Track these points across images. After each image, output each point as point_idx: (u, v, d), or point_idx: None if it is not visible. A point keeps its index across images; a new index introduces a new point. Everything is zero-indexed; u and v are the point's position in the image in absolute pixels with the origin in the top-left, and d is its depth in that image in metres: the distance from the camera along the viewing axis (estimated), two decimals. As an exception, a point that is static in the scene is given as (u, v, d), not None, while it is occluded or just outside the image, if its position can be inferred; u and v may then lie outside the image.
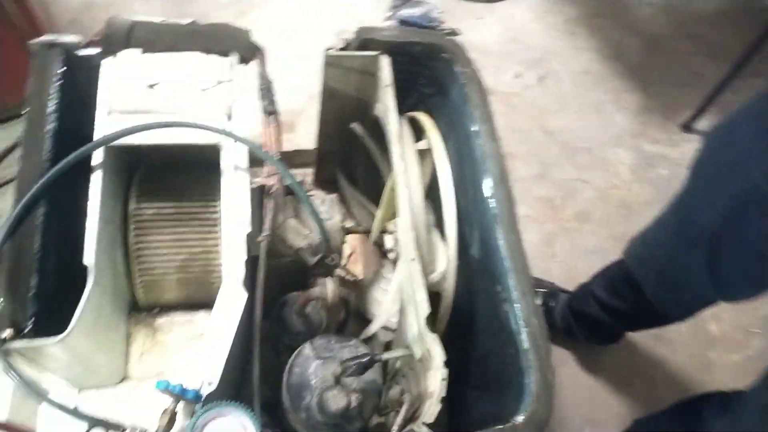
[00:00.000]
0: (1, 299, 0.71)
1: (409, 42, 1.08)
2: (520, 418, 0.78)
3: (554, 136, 1.91)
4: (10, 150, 1.61)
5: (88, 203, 0.81)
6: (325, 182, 1.43)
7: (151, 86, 0.92)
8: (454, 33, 2.15)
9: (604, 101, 2.04)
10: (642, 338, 1.56)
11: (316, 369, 0.81)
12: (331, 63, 1.06)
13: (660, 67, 2.16)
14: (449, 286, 0.94)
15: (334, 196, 1.13)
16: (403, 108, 1.14)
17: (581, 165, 1.84)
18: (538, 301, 1.45)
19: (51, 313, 0.75)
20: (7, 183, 1.11)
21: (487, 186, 0.94)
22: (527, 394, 0.80)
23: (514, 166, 1.81)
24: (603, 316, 1.35)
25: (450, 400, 1.13)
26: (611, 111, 2.02)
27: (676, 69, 2.15)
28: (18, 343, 0.69)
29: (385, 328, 1.10)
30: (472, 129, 1.01)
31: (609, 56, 2.17)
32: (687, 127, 1.97)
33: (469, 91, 1.04)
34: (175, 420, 0.66)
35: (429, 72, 1.14)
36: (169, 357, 0.93)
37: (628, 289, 1.25)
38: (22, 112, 0.87)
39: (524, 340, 0.83)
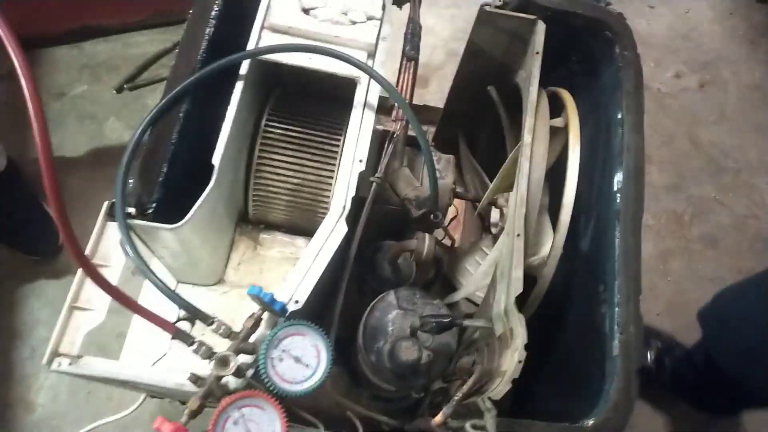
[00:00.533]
0: (133, 180, 0.77)
1: (572, 12, 1.02)
2: (590, 422, 0.75)
3: (701, 149, 1.74)
4: (167, 51, 1.74)
5: (228, 109, 0.85)
6: (444, 144, 1.41)
7: (306, 11, 0.94)
8: (620, 16, 1.99)
9: (769, 123, 1.82)
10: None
11: (396, 317, 0.82)
12: (483, 20, 1.02)
13: None
14: (548, 273, 0.90)
15: (451, 156, 1.11)
16: (546, 81, 1.09)
17: (723, 185, 1.67)
18: (652, 355, 1.35)
19: (173, 202, 0.81)
20: (161, 81, 1.20)
21: (618, 179, 0.88)
22: (605, 400, 0.76)
23: (649, 170, 1.67)
24: (705, 384, 1.21)
25: (517, 386, 1.11)
26: (776, 136, 1.80)
27: None
28: (139, 222, 0.75)
29: (469, 300, 1.09)
30: (617, 116, 0.94)
31: (790, 75, 1.92)
32: None
33: (624, 75, 0.97)
34: (258, 326, 0.69)
35: (585, 48, 1.07)
36: (264, 271, 0.98)
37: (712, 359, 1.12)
38: (187, 14, 0.93)
39: (616, 346, 0.79)
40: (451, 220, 1.14)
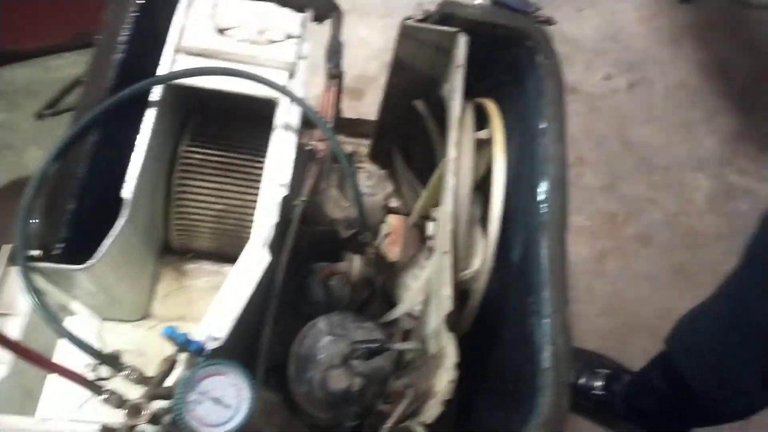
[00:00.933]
0: (38, 219, 0.73)
1: (492, 23, 1.02)
2: (523, 438, 0.74)
3: (632, 149, 1.79)
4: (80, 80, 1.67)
5: (138, 138, 0.81)
6: (381, 157, 1.40)
7: (221, 31, 0.91)
8: (549, 22, 2.03)
9: (695, 120, 1.89)
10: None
11: (326, 345, 0.80)
12: (406, 34, 1.01)
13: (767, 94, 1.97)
14: (479, 287, 0.90)
15: (383, 172, 1.10)
16: (475, 92, 1.09)
17: (654, 184, 1.72)
18: (600, 383, 1.36)
19: (85, 240, 0.77)
20: (70, 110, 1.14)
21: (542, 189, 0.89)
22: (537, 414, 0.76)
23: (583, 172, 1.71)
24: (660, 404, 1.21)
25: (461, 404, 1.11)
26: (701, 132, 1.87)
27: (786, 99, 1.96)
28: (44, 264, 0.71)
29: (409, 315, 1.07)
30: (540, 126, 0.95)
31: (712, 73, 2.00)
32: (783, 164, 1.80)
33: (545, 85, 0.97)
34: (173, 368, 0.66)
35: (509, 58, 1.08)
36: (192, 302, 0.95)
37: (673, 383, 1.13)
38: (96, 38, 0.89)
39: (546, 358, 0.78)
40: (386, 236, 1.13)
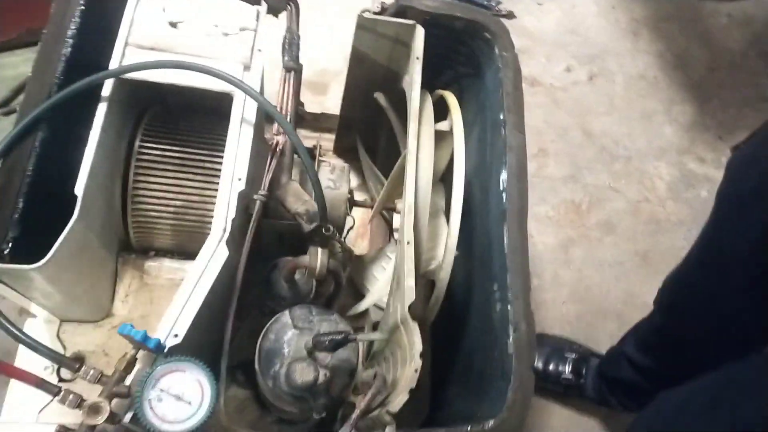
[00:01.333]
0: (-15, 218, 0.71)
1: (450, 15, 1.02)
2: (489, 423, 0.75)
3: (594, 139, 1.82)
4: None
5: (90, 133, 0.79)
6: (346, 150, 1.39)
7: (174, 24, 0.89)
8: (510, 15, 2.06)
9: (654, 110, 1.93)
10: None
11: (291, 338, 0.79)
12: (363, 26, 1.01)
13: (723, 84, 2.02)
14: (444, 276, 0.90)
15: (346, 165, 1.09)
16: (436, 84, 1.09)
17: (616, 173, 1.76)
18: (568, 368, 1.38)
19: (38, 239, 0.75)
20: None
21: (502, 179, 0.90)
22: (502, 400, 0.77)
23: (546, 163, 1.73)
24: (637, 378, 1.23)
25: (434, 392, 1.11)
26: (660, 122, 1.91)
27: (741, 88, 2.02)
28: (-8, 264, 0.68)
29: (377, 306, 1.07)
30: (500, 117, 0.95)
31: (670, 64, 2.05)
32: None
33: (504, 76, 0.98)
34: (133, 367, 0.64)
35: (468, 50, 1.08)
36: (154, 301, 0.93)
37: (662, 343, 1.16)
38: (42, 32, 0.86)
39: (510, 344, 0.79)
40: (349, 229, 1.12)
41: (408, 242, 0.80)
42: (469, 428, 0.74)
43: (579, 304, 1.50)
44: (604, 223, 1.66)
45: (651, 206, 1.71)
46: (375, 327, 1.08)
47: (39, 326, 0.88)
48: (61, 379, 0.83)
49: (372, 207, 1.17)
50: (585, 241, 1.61)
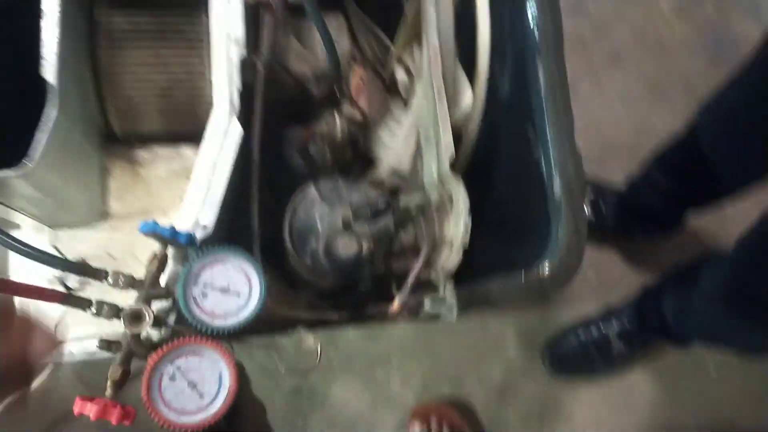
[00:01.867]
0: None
1: None
2: (545, 266, 0.71)
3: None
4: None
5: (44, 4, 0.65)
6: (327, 3, 1.24)
7: None
8: None
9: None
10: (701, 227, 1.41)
11: (323, 213, 0.72)
12: None
13: None
14: (473, 126, 0.82)
15: (340, 16, 0.96)
16: None
17: (621, -2, 1.62)
18: (588, 208, 1.34)
19: (11, 141, 0.64)
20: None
21: (532, 14, 0.79)
22: (555, 243, 0.73)
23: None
24: (662, 203, 1.24)
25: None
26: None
27: None
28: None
29: (395, 171, 1.01)
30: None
31: None
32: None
33: None
34: (165, 266, 0.58)
35: None
36: (153, 194, 0.84)
37: (691, 165, 1.13)
38: None
39: (557, 187, 0.74)
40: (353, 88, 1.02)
41: (440, 92, 0.71)
42: (523, 273, 0.71)
43: (589, 140, 1.45)
44: (611, 54, 1.56)
45: (657, 30, 1.60)
46: (392, 194, 1.02)
47: (28, 237, 0.79)
48: (68, 290, 0.76)
49: (371, 62, 1.05)
50: (593, 76, 1.52)
